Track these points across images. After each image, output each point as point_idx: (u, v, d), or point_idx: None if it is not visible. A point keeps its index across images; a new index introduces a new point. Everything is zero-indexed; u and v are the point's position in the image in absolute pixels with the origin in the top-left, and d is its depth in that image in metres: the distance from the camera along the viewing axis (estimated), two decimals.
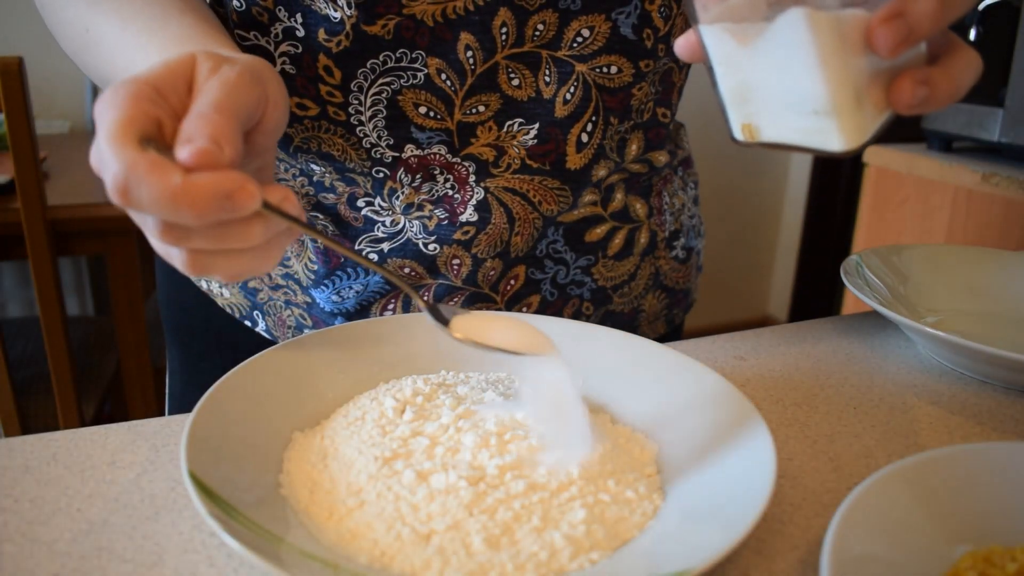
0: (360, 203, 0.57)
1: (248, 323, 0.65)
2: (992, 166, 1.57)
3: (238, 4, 0.52)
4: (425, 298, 0.59)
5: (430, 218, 0.57)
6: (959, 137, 1.67)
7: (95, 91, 2.08)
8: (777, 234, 3.14)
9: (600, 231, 0.62)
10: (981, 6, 1.63)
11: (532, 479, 0.38)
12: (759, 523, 0.38)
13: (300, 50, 0.52)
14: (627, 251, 0.64)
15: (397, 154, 0.54)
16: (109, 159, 0.32)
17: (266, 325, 0.64)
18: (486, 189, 0.56)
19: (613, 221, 0.62)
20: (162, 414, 0.78)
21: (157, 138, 0.34)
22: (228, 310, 0.66)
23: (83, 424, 1.40)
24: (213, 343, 0.67)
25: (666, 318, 0.71)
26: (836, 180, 2.88)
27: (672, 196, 0.68)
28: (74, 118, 2.15)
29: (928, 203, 1.67)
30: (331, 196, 0.57)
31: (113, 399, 1.64)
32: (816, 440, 0.48)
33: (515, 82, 0.53)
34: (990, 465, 0.39)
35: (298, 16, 0.51)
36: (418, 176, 0.55)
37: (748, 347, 0.62)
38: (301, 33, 0.51)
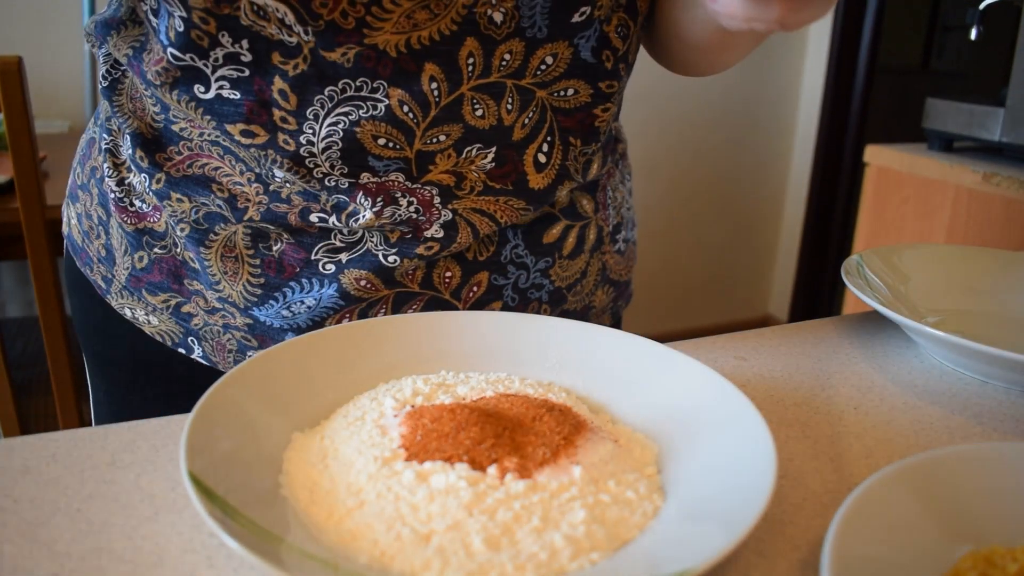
0: (313, 217, 0.55)
1: (183, 350, 0.61)
2: (993, 166, 1.57)
3: (179, 24, 0.49)
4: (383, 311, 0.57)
5: (392, 231, 0.55)
6: (960, 137, 1.67)
7: (94, 91, 2.08)
8: (778, 234, 3.14)
9: (556, 231, 0.61)
10: (981, 6, 1.63)
11: (532, 479, 0.38)
12: (759, 523, 0.38)
13: (248, 74, 0.50)
14: (579, 249, 0.63)
15: (353, 180, 0.53)
16: None
17: (203, 351, 0.61)
18: (454, 211, 0.55)
19: (565, 220, 0.62)
20: None
21: None
22: (158, 338, 0.61)
23: (82, 424, 1.40)
24: (141, 374, 0.63)
25: (611, 311, 0.71)
26: (837, 180, 2.88)
27: (614, 190, 0.67)
28: (74, 118, 2.14)
29: (928, 203, 1.67)
30: (284, 206, 0.55)
31: None
32: (817, 440, 0.48)
33: (479, 112, 0.52)
34: (991, 465, 0.39)
35: (244, 42, 0.49)
36: (379, 200, 0.53)
37: (749, 347, 0.62)
38: (248, 58, 0.49)
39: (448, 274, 0.58)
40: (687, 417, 0.45)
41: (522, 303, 0.62)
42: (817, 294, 3.04)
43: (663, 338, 0.55)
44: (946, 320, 0.66)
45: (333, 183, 0.53)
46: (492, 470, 0.38)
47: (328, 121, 0.50)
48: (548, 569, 0.33)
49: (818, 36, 2.83)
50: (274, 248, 0.56)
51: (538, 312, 0.63)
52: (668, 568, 0.32)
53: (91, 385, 0.68)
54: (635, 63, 0.61)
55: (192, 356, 0.61)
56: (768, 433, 0.40)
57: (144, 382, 0.64)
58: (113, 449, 0.44)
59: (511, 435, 0.40)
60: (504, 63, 0.51)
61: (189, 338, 0.61)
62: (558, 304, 0.64)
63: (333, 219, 0.54)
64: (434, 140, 0.52)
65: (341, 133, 0.50)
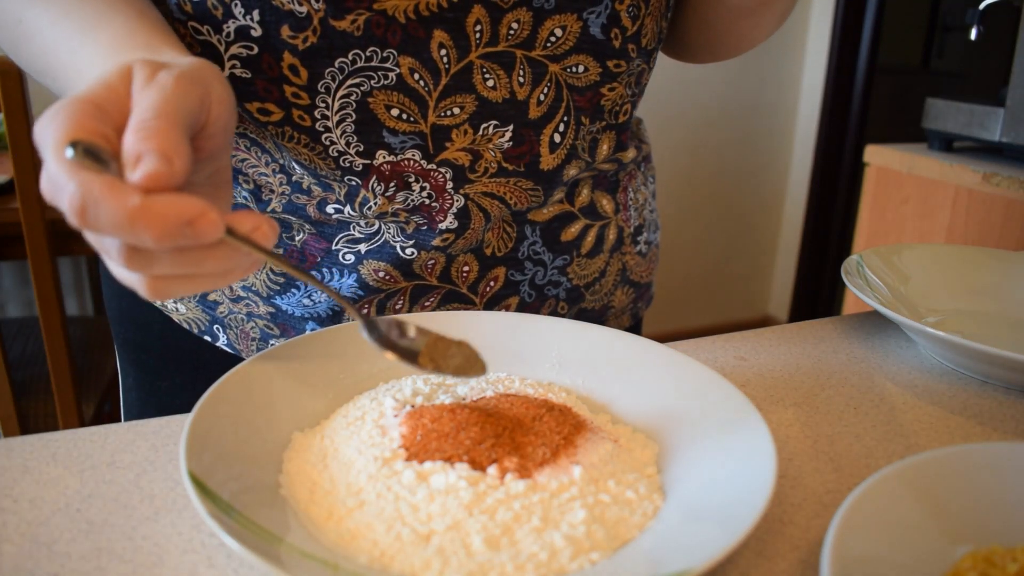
0: (329, 209, 0.56)
1: (208, 338, 0.62)
2: (993, 166, 1.57)
3: None
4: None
5: (407, 223, 0.56)
6: (960, 137, 1.67)
7: None
8: (778, 234, 3.14)
9: (574, 230, 0.62)
10: (981, 6, 1.63)
11: (532, 479, 0.38)
12: (759, 523, 0.38)
13: (256, 51, 0.50)
14: (598, 249, 0.64)
15: (368, 161, 0.53)
16: (63, 181, 0.31)
17: (228, 339, 0.62)
18: (466, 196, 0.55)
19: (585, 219, 0.62)
20: None
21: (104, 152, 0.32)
22: (185, 325, 0.63)
23: (83, 424, 1.40)
24: (170, 360, 0.65)
25: (631, 312, 0.72)
26: (836, 180, 2.88)
27: (636, 192, 0.68)
28: None
29: (928, 203, 1.67)
30: (304, 198, 0.56)
31: (113, 399, 1.64)
32: (817, 440, 0.48)
33: (490, 83, 0.52)
34: (990, 465, 0.39)
35: (255, 13, 0.48)
36: (392, 185, 0.54)
37: (749, 347, 0.62)
38: (257, 32, 0.49)
39: (466, 268, 0.58)
40: (687, 417, 0.45)
41: (539, 300, 0.63)
42: (817, 294, 3.04)
43: (663, 338, 0.55)
44: (946, 320, 0.66)
45: (348, 163, 0.53)
46: (492, 470, 0.38)
47: (340, 93, 0.50)
48: (548, 569, 0.33)
49: (818, 36, 2.83)
50: (297, 238, 0.57)
51: (555, 310, 0.64)
52: (668, 568, 0.32)
53: (121, 371, 0.70)
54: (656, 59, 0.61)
55: (217, 344, 0.62)
56: (768, 433, 0.40)
57: (173, 369, 0.65)
58: (113, 449, 0.44)
59: (511, 435, 0.41)
60: (512, 32, 0.51)
61: (215, 326, 0.62)
62: (576, 302, 0.65)
63: (348, 209, 0.55)
64: (448, 112, 0.52)
65: (354, 105, 0.51)
